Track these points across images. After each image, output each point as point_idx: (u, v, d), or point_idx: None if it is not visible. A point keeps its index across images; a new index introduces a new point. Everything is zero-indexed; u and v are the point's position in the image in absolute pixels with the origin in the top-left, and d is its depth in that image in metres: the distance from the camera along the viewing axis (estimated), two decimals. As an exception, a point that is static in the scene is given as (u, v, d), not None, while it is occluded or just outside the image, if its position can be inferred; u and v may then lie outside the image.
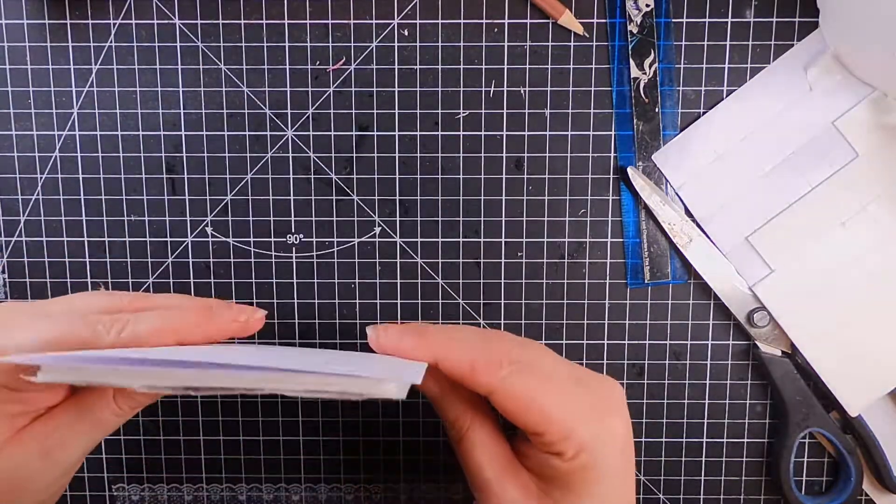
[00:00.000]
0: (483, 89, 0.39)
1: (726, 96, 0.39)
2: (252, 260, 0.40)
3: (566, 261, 0.40)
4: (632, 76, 0.39)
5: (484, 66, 0.39)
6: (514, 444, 0.30)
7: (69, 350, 0.25)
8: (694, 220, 0.39)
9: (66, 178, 0.40)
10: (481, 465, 0.29)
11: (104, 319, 0.26)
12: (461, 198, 0.40)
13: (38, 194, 0.40)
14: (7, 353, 0.25)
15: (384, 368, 0.25)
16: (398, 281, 0.40)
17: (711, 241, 0.39)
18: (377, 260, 0.40)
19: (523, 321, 0.40)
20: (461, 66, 0.39)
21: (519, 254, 0.40)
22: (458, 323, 0.40)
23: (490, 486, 0.29)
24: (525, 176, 0.39)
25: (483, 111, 0.39)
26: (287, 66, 0.39)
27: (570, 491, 0.27)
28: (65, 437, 0.28)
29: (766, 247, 0.39)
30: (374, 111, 0.39)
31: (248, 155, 0.39)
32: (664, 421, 0.41)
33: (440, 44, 0.39)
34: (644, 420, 0.41)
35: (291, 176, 0.39)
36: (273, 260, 0.40)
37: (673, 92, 0.39)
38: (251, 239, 0.40)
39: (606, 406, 0.28)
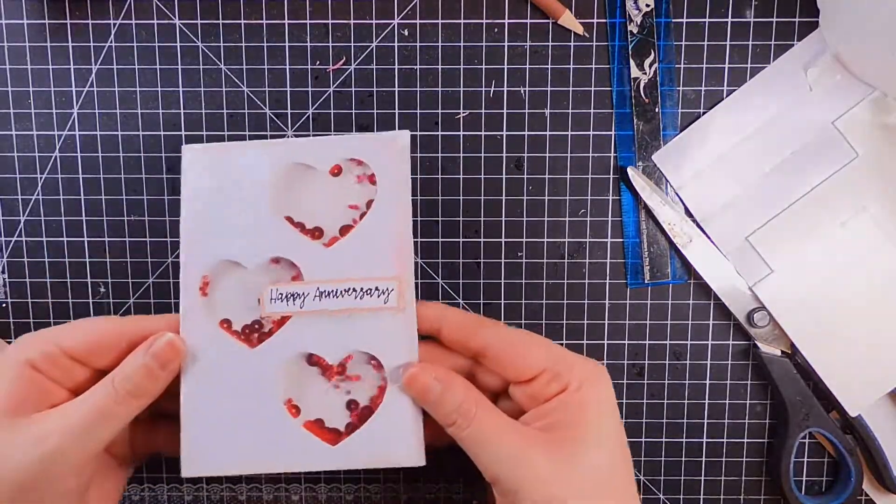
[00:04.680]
0: (483, 89, 0.39)
1: (726, 96, 0.39)
2: (252, 260, 0.40)
3: (566, 261, 0.40)
4: (632, 76, 0.39)
5: (484, 66, 0.39)
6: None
7: None
8: (694, 220, 0.39)
9: (66, 178, 0.40)
10: (497, 439, 0.30)
11: None
12: (461, 198, 0.40)
13: (38, 194, 0.40)
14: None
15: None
16: (398, 281, 0.40)
17: (711, 241, 0.39)
18: (377, 260, 0.40)
19: (523, 321, 0.40)
20: (461, 66, 0.39)
21: (519, 254, 0.40)
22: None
23: (514, 457, 0.29)
24: (525, 176, 0.39)
25: (483, 111, 0.39)
26: (287, 66, 0.39)
27: (582, 425, 0.29)
28: (60, 425, 0.30)
29: (766, 247, 0.39)
30: (374, 111, 0.39)
31: (248, 155, 0.39)
32: (664, 421, 0.41)
33: (440, 44, 0.39)
34: (644, 420, 0.41)
35: (291, 176, 0.39)
36: (273, 260, 0.40)
37: (673, 92, 0.39)
38: (251, 239, 0.40)
39: (593, 361, 0.32)
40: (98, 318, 0.34)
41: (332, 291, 0.32)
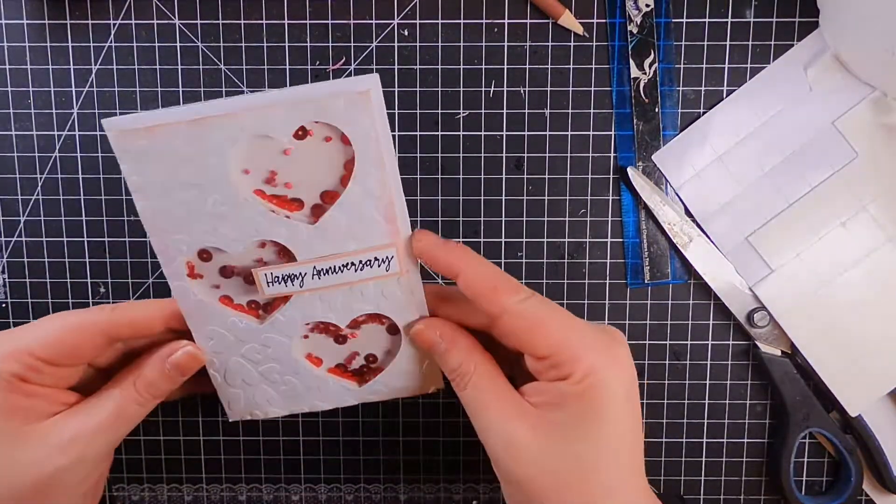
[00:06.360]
0: (483, 89, 0.39)
1: (726, 96, 0.39)
2: (252, 260, 0.40)
3: (566, 261, 0.40)
4: (632, 76, 0.39)
5: (484, 66, 0.39)
6: (516, 385, 0.31)
7: None
8: (694, 220, 0.39)
9: (66, 178, 0.40)
10: (488, 405, 0.30)
11: None
12: (461, 198, 0.40)
13: (38, 194, 0.40)
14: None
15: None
16: (398, 281, 0.40)
17: (711, 241, 0.39)
18: (377, 260, 0.40)
19: (523, 321, 0.40)
20: (461, 66, 0.39)
21: (519, 254, 0.40)
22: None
23: (499, 427, 0.29)
24: (525, 176, 0.39)
25: (483, 111, 0.39)
26: (287, 66, 0.39)
27: (576, 416, 0.28)
28: (83, 430, 0.30)
29: (766, 247, 0.39)
30: (374, 111, 0.39)
31: (248, 155, 0.39)
32: (664, 421, 0.41)
33: (440, 44, 0.39)
34: (644, 420, 0.41)
35: (291, 176, 0.39)
36: (273, 260, 0.40)
37: (673, 92, 0.39)
38: (251, 239, 0.40)
39: (612, 340, 0.30)
40: (63, 315, 0.32)
41: (330, 268, 0.30)
